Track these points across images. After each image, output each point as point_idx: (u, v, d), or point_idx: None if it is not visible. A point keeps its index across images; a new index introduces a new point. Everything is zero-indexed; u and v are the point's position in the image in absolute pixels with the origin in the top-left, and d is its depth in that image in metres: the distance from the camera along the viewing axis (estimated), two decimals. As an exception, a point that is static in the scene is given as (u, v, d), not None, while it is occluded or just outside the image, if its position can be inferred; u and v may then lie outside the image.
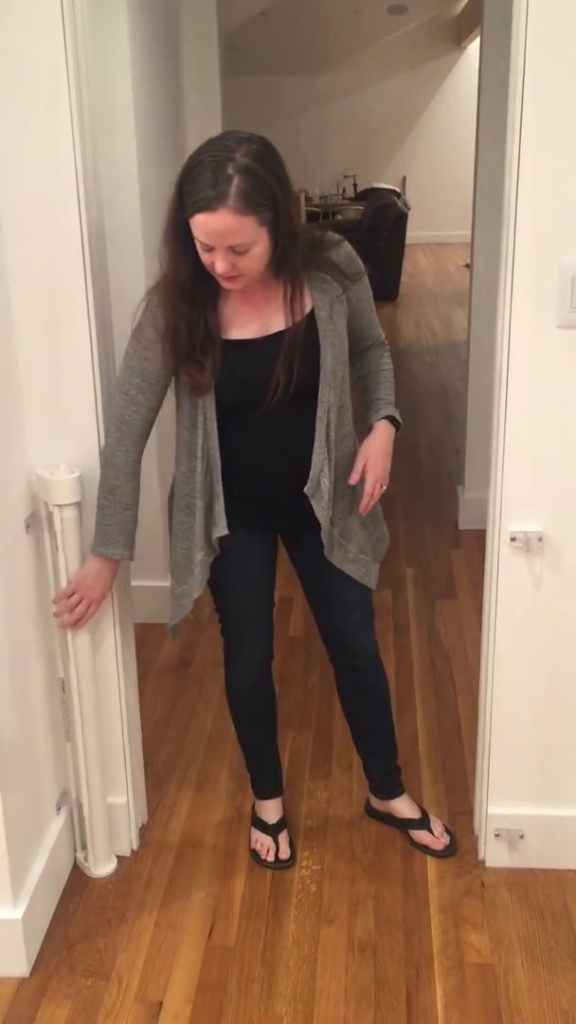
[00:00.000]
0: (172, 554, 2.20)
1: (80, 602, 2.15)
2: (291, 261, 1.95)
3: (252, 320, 2.01)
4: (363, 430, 2.18)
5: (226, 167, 1.77)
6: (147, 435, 2.10)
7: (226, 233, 1.81)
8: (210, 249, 1.85)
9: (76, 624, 2.18)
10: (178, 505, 2.15)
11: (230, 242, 1.82)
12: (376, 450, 2.13)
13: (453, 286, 10.23)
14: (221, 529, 2.08)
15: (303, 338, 1.99)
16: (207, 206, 1.78)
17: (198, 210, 1.79)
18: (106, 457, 2.10)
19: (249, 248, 1.84)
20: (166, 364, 2.01)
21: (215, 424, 2.02)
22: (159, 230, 1.93)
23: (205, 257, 1.87)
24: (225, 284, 1.92)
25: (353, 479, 2.10)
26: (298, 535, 2.23)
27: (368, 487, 2.11)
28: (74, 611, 2.16)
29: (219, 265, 1.85)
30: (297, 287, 1.98)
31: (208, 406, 2.01)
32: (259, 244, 1.86)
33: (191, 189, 1.80)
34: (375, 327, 2.22)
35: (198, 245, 1.86)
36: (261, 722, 2.45)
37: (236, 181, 1.77)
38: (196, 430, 2.04)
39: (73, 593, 2.15)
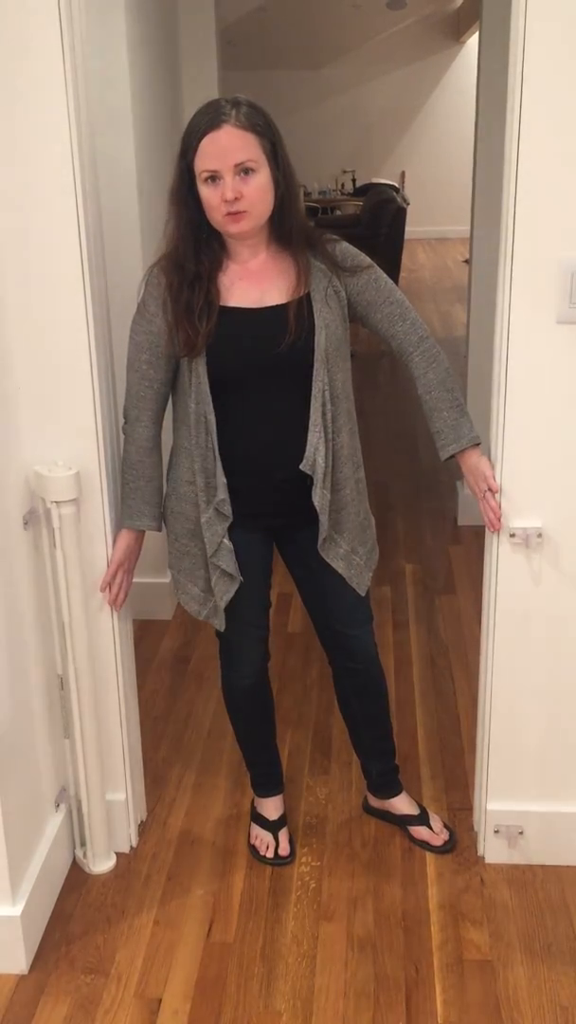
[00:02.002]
0: (173, 538, 2.21)
1: (115, 575, 2.24)
2: (291, 225, 2.00)
3: (249, 291, 2.03)
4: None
5: (221, 102, 1.92)
6: (163, 409, 2.15)
7: (232, 148, 1.88)
8: (215, 180, 1.90)
9: (121, 599, 2.28)
10: (184, 481, 2.14)
11: (236, 158, 1.88)
12: (470, 477, 2.16)
13: (452, 281, 10.22)
14: (222, 491, 2.08)
15: (298, 315, 2.00)
16: (212, 125, 1.88)
17: (204, 133, 1.88)
18: (127, 435, 2.16)
19: (255, 170, 1.90)
20: (169, 334, 2.04)
21: (207, 388, 2.03)
22: (165, 201, 2.00)
23: (212, 195, 1.91)
24: (231, 227, 1.94)
25: (493, 526, 2.13)
26: (294, 537, 2.22)
27: (481, 505, 2.15)
28: (117, 586, 2.25)
29: (227, 191, 1.89)
30: (298, 261, 2.02)
31: (200, 370, 2.02)
32: (261, 172, 1.91)
33: (192, 128, 1.91)
34: (402, 321, 2.11)
35: (204, 189, 1.91)
36: (259, 722, 2.45)
37: (234, 108, 1.89)
38: (191, 398, 2.05)
39: (117, 571, 2.24)
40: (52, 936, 2.23)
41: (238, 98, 1.92)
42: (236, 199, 1.89)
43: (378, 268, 2.12)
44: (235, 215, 1.92)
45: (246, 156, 1.88)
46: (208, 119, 1.89)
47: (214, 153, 1.88)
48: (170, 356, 2.06)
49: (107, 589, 2.25)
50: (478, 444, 2.13)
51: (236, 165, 1.88)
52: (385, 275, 2.14)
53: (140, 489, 2.18)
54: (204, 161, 1.89)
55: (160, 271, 2.04)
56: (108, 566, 2.24)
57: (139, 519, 2.20)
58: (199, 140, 1.89)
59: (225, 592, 2.16)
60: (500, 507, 2.12)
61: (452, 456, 2.15)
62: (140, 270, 3.03)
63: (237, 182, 1.89)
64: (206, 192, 1.91)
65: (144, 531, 2.24)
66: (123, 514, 2.21)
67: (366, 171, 12.70)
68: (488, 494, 2.12)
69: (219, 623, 2.22)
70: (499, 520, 2.12)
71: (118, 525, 2.24)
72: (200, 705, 3.07)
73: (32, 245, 2.03)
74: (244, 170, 1.89)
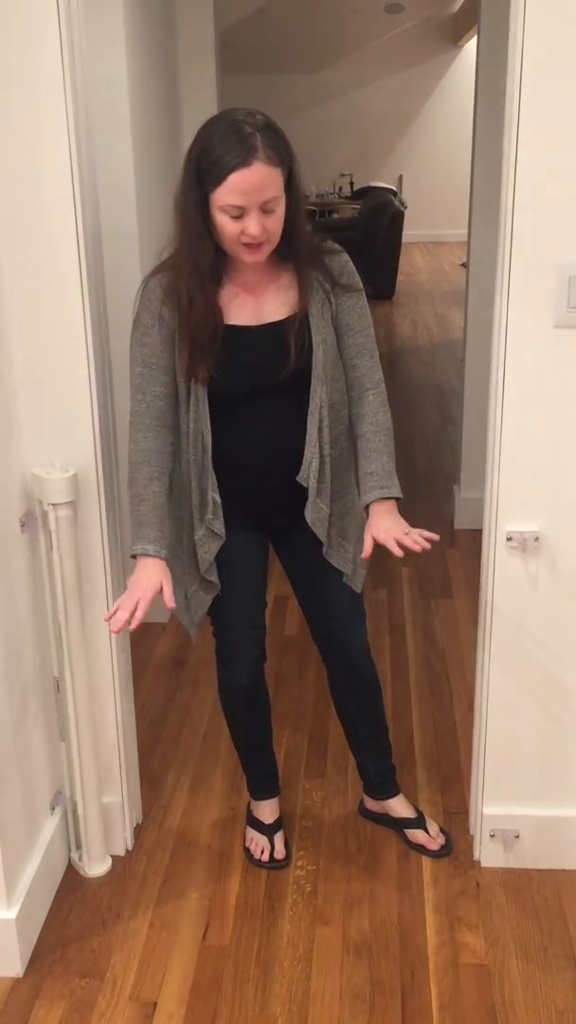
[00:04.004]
0: (182, 545, 2.18)
1: (128, 600, 1.99)
2: (296, 242, 1.98)
3: (247, 307, 2.02)
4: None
5: (244, 128, 1.83)
6: (164, 426, 2.06)
7: (262, 186, 1.84)
8: (240, 215, 1.87)
9: (129, 623, 1.97)
10: (183, 492, 2.13)
11: (264, 196, 1.85)
12: (381, 528, 2.07)
13: (449, 285, 10.24)
14: (211, 511, 2.07)
15: (298, 334, 2.00)
16: (242, 162, 1.82)
17: (232, 169, 1.82)
18: (128, 453, 2.09)
19: (276, 206, 1.88)
20: (166, 346, 2.02)
21: (207, 407, 2.02)
22: (171, 219, 1.96)
23: (233, 227, 1.88)
24: (248, 256, 1.93)
25: (365, 553, 2.07)
26: (290, 535, 2.22)
27: (392, 543, 2.04)
28: (125, 610, 1.97)
29: (252, 227, 1.87)
30: (301, 276, 2.01)
31: (200, 390, 2.01)
32: (281, 204, 1.90)
33: (215, 158, 1.84)
34: (367, 356, 2.11)
35: (223, 218, 1.88)
36: (256, 723, 2.45)
37: (260, 137, 1.84)
38: (189, 414, 2.04)
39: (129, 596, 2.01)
40: (47, 939, 2.22)
41: (258, 120, 1.85)
42: (261, 237, 1.89)
43: (365, 296, 2.11)
44: (255, 247, 1.91)
45: (273, 193, 1.86)
46: (238, 154, 1.81)
47: (244, 191, 1.84)
48: (165, 369, 2.04)
49: (116, 615, 2.00)
50: (399, 499, 2.11)
51: (264, 202, 1.86)
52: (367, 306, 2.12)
53: (133, 510, 2.07)
54: (231, 197, 1.85)
55: (158, 283, 2.01)
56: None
57: (137, 543, 2.04)
58: (226, 175, 1.83)
59: (203, 604, 2.18)
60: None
61: (369, 503, 2.10)
62: (138, 272, 3.05)
63: (262, 217, 1.87)
64: (225, 223, 1.88)
65: (153, 557, 2.04)
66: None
67: (364, 174, 12.73)
68: (407, 535, 2.05)
69: (193, 627, 2.24)
70: (425, 541, 2.04)
71: (114, 528, 2.23)
72: (196, 708, 3.07)
73: (30, 248, 2.03)
74: (268, 205, 1.88)
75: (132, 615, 1.97)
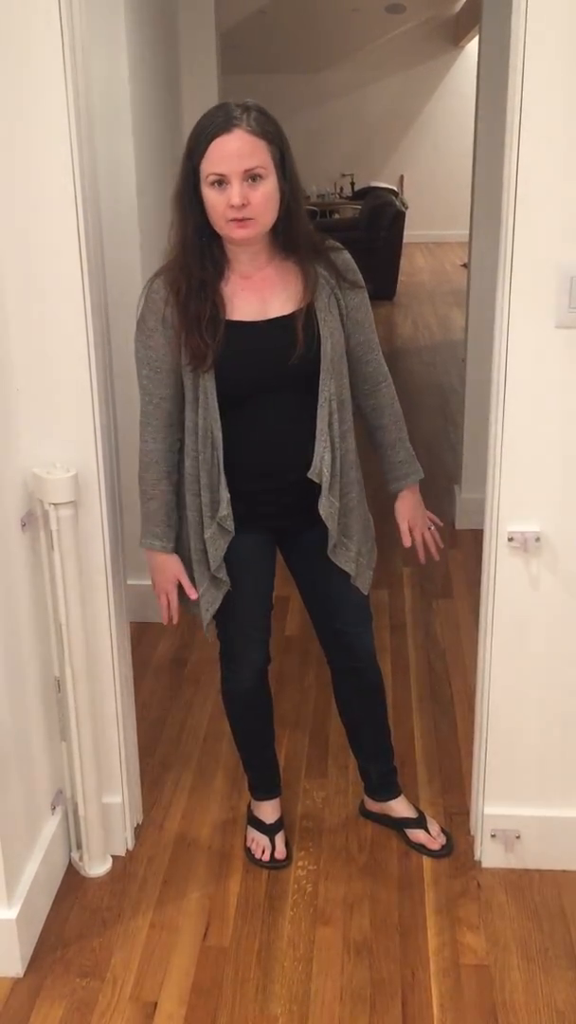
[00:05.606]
0: (190, 544, 2.17)
1: (161, 600, 2.21)
2: (297, 233, 1.99)
3: (252, 303, 2.02)
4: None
5: (234, 107, 1.88)
6: (171, 425, 2.09)
7: (242, 153, 1.85)
8: (222, 184, 1.87)
9: (171, 617, 2.21)
10: (189, 490, 2.12)
11: (246, 164, 1.86)
12: (411, 512, 2.29)
13: (450, 285, 10.23)
14: (224, 508, 2.07)
15: (305, 327, 2.00)
16: (223, 128, 1.86)
17: (214, 136, 1.85)
18: (139, 452, 2.14)
19: (263, 177, 1.88)
20: (170, 348, 2.01)
21: (215, 403, 2.02)
22: (165, 205, 1.98)
23: (219, 200, 1.89)
24: (236, 232, 1.92)
25: (406, 542, 2.28)
26: (298, 537, 2.22)
27: (418, 537, 2.30)
28: (165, 610, 2.21)
29: (235, 196, 1.87)
30: (304, 270, 2.01)
31: (208, 386, 2.01)
32: (269, 180, 1.90)
33: (201, 129, 1.88)
34: (375, 351, 2.15)
35: (211, 193, 1.89)
36: (259, 725, 2.44)
37: (246, 112, 1.88)
38: (197, 411, 2.03)
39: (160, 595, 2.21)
40: (48, 939, 2.22)
41: (248, 103, 1.89)
42: (243, 205, 1.87)
43: (367, 292, 2.14)
44: (241, 222, 1.89)
45: (256, 162, 1.86)
46: (219, 122, 1.86)
47: (224, 157, 1.85)
48: (170, 370, 2.04)
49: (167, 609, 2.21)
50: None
51: (245, 171, 1.85)
52: None
53: (143, 506, 2.15)
54: (212, 164, 1.86)
55: (162, 283, 2.01)
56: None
57: (145, 538, 2.16)
58: (208, 142, 1.86)
59: (215, 600, 2.16)
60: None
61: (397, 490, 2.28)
62: (139, 273, 3.05)
63: (245, 188, 1.86)
64: (212, 195, 1.89)
65: (162, 552, 2.16)
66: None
67: (365, 174, 12.73)
68: (431, 530, 2.32)
69: (208, 628, 2.23)
70: (437, 551, 2.31)
71: (115, 528, 2.23)
72: (197, 708, 3.06)
73: (32, 248, 2.03)
74: (252, 176, 1.87)
75: (171, 611, 2.19)
